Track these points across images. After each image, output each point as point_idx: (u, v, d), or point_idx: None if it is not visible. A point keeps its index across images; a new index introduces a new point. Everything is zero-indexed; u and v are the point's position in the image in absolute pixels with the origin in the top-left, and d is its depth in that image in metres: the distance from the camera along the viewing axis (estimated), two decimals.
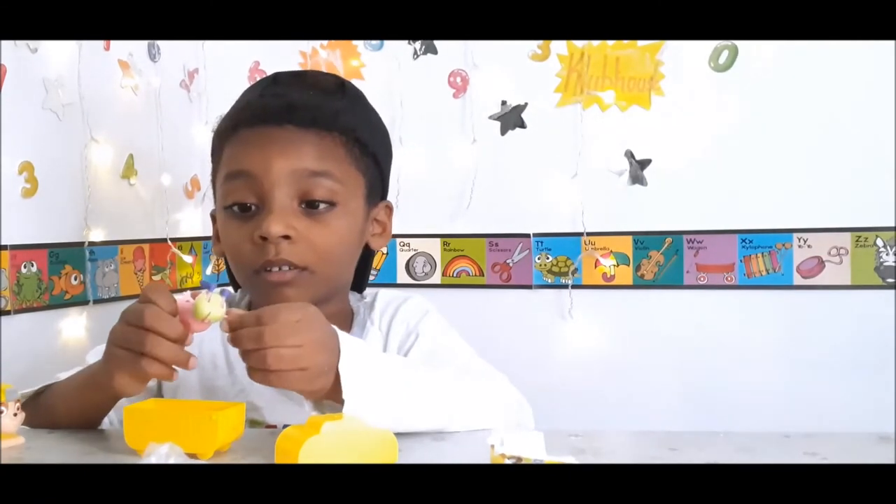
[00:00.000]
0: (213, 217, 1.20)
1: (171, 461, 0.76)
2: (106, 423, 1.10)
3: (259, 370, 0.90)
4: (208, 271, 2.14)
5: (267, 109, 1.11)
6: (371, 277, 2.19)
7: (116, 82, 1.85)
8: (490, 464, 0.76)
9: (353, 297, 1.25)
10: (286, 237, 1.07)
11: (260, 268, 1.09)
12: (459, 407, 1.03)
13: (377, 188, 1.19)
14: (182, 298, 0.93)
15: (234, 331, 0.91)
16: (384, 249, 2.20)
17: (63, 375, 1.11)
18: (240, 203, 1.10)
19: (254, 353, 0.90)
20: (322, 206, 1.10)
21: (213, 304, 0.91)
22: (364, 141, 1.15)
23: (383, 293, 1.24)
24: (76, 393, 1.04)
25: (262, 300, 1.10)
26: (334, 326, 0.97)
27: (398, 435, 0.87)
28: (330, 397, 0.94)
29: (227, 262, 1.19)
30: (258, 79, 1.34)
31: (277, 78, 1.19)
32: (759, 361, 2.04)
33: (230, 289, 1.08)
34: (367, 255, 1.24)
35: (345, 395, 0.91)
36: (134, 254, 1.89)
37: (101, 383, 0.96)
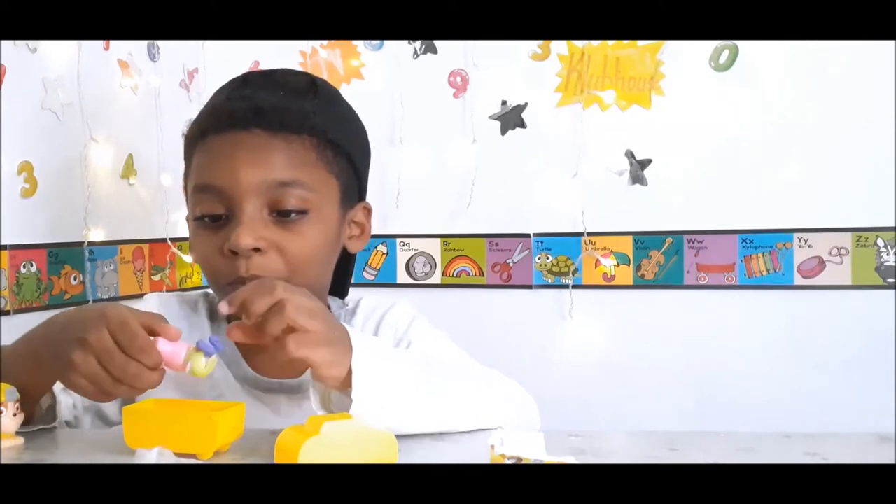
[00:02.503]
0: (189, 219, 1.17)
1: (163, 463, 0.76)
2: (69, 408, 1.08)
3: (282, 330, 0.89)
4: None
5: (234, 114, 1.08)
6: (371, 277, 2.21)
7: (116, 82, 1.85)
8: (490, 464, 0.76)
9: (334, 302, 1.22)
10: (256, 249, 1.04)
11: (233, 281, 1.06)
12: (472, 407, 1.02)
13: (353, 190, 1.16)
14: (166, 347, 0.90)
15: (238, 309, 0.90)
16: (384, 249, 2.20)
17: None
18: (209, 214, 1.08)
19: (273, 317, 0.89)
20: (294, 214, 1.07)
21: (209, 366, 0.90)
22: (337, 142, 1.11)
23: (367, 299, 1.21)
24: (32, 370, 0.98)
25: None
26: (345, 324, 0.96)
27: (398, 435, 0.87)
28: (340, 389, 0.94)
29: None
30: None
31: (247, 79, 1.16)
32: (759, 361, 2.05)
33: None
34: (347, 258, 1.21)
35: (354, 395, 0.90)
36: (133, 254, 1.89)
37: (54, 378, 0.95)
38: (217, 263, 1.07)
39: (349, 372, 0.92)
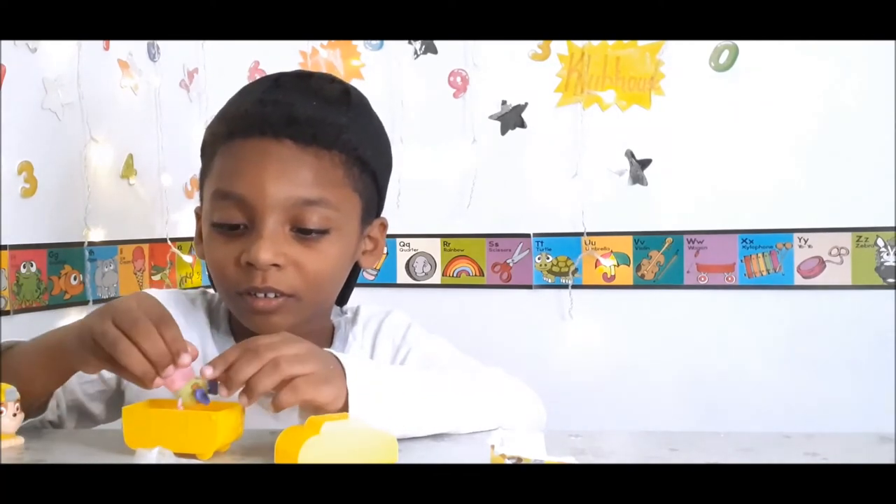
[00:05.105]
0: (198, 214, 1.14)
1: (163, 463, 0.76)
2: (52, 408, 1.07)
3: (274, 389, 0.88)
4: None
5: (266, 120, 1.05)
6: (371, 277, 2.21)
7: (116, 82, 1.85)
8: (490, 464, 0.76)
9: (333, 311, 1.21)
10: (275, 265, 1.03)
11: (244, 291, 1.05)
12: (476, 413, 1.02)
13: (373, 206, 1.14)
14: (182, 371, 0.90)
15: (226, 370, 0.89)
16: (384, 250, 2.20)
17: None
18: (228, 223, 1.05)
19: (262, 373, 0.88)
20: (314, 233, 1.05)
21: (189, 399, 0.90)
22: (365, 159, 1.09)
23: (364, 309, 1.20)
24: (40, 366, 1.00)
25: (243, 320, 1.08)
26: (333, 351, 0.96)
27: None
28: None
29: (208, 268, 1.15)
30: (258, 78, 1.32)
31: (280, 81, 1.12)
32: (759, 361, 2.05)
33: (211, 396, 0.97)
34: (354, 270, 1.19)
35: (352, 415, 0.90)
36: (133, 254, 1.89)
37: (69, 364, 0.96)
38: (231, 272, 1.05)
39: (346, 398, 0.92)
